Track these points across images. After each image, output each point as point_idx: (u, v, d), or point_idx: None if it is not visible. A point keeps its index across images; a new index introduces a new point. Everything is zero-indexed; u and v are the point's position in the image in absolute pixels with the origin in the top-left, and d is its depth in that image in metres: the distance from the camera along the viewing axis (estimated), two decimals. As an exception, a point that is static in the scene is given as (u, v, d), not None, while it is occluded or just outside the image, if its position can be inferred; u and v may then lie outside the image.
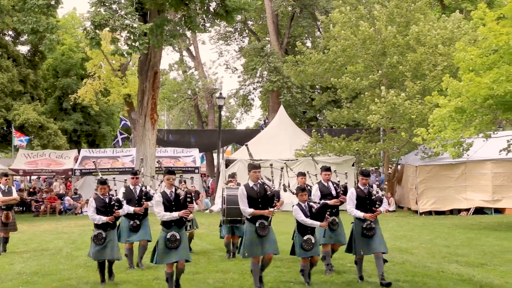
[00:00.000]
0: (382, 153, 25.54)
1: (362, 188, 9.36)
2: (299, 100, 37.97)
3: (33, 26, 19.73)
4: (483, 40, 15.94)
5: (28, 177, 33.82)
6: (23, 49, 35.64)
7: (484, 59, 15.46)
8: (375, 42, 23.63)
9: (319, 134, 26.28)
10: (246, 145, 10.60)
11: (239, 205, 9.60)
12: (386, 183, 25.29)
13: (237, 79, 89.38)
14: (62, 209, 26.15)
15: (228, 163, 25.58)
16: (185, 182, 11.94)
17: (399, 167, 25.75)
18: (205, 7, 21.70)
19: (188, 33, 30.50)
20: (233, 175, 12.72)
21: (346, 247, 9.58)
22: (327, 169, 10.46)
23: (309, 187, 10.66)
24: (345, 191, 10.06)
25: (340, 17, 24.78)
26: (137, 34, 19.39)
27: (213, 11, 21.68)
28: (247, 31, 44.35)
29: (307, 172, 11.92)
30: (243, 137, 33.91)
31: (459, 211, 21.62)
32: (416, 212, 21.19)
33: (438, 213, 21.34)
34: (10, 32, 33.83)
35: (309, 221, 8.78)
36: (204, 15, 22.05)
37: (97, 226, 9.26)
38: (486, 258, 11.43)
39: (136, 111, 24.00)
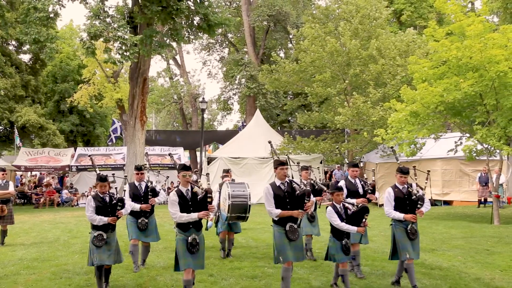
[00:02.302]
0: (347, 151, 25.71)
1: (400, 187, 7.76)
2: (273, 105, 38.15)
3: (35, 37, 19.59)
4: (434, 53, 16.24)
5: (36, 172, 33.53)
6: (25, 57, 35.43)
7: (435, 70, 15.77)
8: (341, 54, 23.84)
9: (290, 136, 26.45)
10: (270, 142, 9.31)
11: (243, 200, 8.85)
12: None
13: (218, 85, 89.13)
14: (60, 202, 25.98)
15: (210, 160, 25.63)
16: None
17: (361, 164, 25.97)
18: (190, 21, 21.67)
19: (174, 44, 30.45)
20: (227, 171, 11.28)
21: (391, 254, 7.91)
22: (355, 165, 9.02)
23: (312, 181, 9.76)
24: (373, 190, 8.80)
25: (310, 32, 24.93)
26: (128, 45, 19.32)
27: (196, 25, 21.66)
28: (227, 42, 44.48)
29: (310, 166, 10.65)
30: (223, 137, 34.11)
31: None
32: (376, 204, 21.40)
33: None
34: (13, 42, 33.56)
35: (345, 226, 7.30)
36: (188, 28, 22.00)
37: (95, 227, 7.58)
38: (436, 244, 11.62)
39: (127, 114, 23.83)
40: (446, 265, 9.27)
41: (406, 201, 7.65)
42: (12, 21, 24.65)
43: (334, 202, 7.48)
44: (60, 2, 20.47)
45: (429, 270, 8.83)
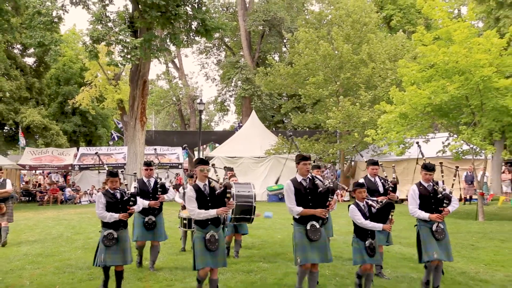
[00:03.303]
0: (339, 151, 25.80)
1: (426, 185, 6.99)
2: (268, 106, 38.22)
3: (40, 40, 19.58)
4: (422, 57, 16.33)
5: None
6: (30, 60, 35.36)
7: (423, 73, 15.86)
8: (334, 58, 23.91)
9: (284, 136, 26.52)
10: (291, 136, 8.69)
11: (248, 201, 8.14)
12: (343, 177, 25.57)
13: (215, 88, 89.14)
14: (63, 199, 25.95)
15: (207, 159, 25.66)
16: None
17: (352, 163, 26.03)
18: (188, 26, 21.68)
19: (173, 48, 30.47)
20: (231, 169, 10.35)
21: (419, 257, 7.06)
22: (375, 163, 8.24)
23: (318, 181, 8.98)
24: (394, 188, 8.11)
25: (304, 36, 25.01)
26: (129, 48, 19.34)
27: (194, 29, 21.68)
28: (223, 46, 44.53)
29: (320, 158, 9.70)
30: (220, 138, 34.13)
31: (402, 200, 21.93)
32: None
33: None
34: (18, 46, 33.54)
35: (369, 224, 6.53)
36: (187, 33, 22.02)
37: (106, 225, 6.92)
38: (424, 240, 11.65)
39: (127, 115, 23.82)
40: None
41: (432, 200, 6.90)
42: (17, 26, 24.61)
43: (356, 200, 6.74)
44: (63, 7, 20.48)
45: (417, 265, 8.82)
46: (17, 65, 32.47)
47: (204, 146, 38.01)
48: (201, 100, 29.94)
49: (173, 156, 29.13)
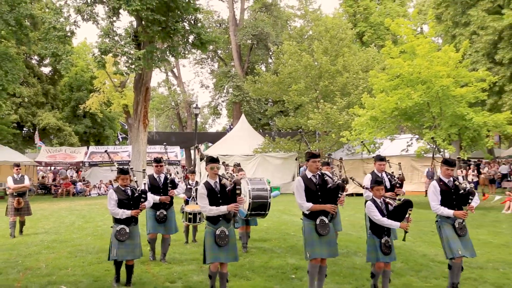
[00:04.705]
0: (318, 150, 25.89)
1: (446, 180, 6.10)
2: (256, 110, 38.27)
3: (53, 51, 19.50)
4: (389, 68, 16.50)
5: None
6: (46, 70, 35.18)
7: (390, 82, 16.03)
8: (314, 68, 24.02)
9: (270, 137, 26.59)
10: (301, 132, 7.90)
11: (264, 198, 7.34)
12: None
13: (209, 94, 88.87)
14: (75, 192, 25.82)
15: (202, 157, 25.63)
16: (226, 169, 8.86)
17: (330, 160, 26.11)
18: (185, 39, 21.65)
19: (172, 59, 30.39)
20: (239, 164, 9.63)
21: (445, 253, 6.17)
22: (382, 159, 7.52)
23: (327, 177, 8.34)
24: (401, 184, 7.47)
25: (288, 48, 25.11)
26: (133, 59, 19.28)
27: (191, 42, 21.65)
28: (217, 57, 44.48)
29: (330, 155, 9.15)
30: (213, 138, 34.15)
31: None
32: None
33: (358, 195, 21.77)
34: (36, 57, 33.39)
35: (386, 221, 5.80)
36: (184, 45, 21.98)
37: (118, 221, 6.45)
38: (391, 227, 11.76)
39: (132, 118, 23.71)
40: (399, 244, 9.34)
41: (453, 196, 6.06)
42: (35, 39, 24.48)
43: (374, 197, 6.00)
44: (76, 23, 20.37)
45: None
46: (35, 73, 32.48)
47: (199, 145, 38.00)
48: (196, 105, 29.92)
49: (172, 154, 29.20)
